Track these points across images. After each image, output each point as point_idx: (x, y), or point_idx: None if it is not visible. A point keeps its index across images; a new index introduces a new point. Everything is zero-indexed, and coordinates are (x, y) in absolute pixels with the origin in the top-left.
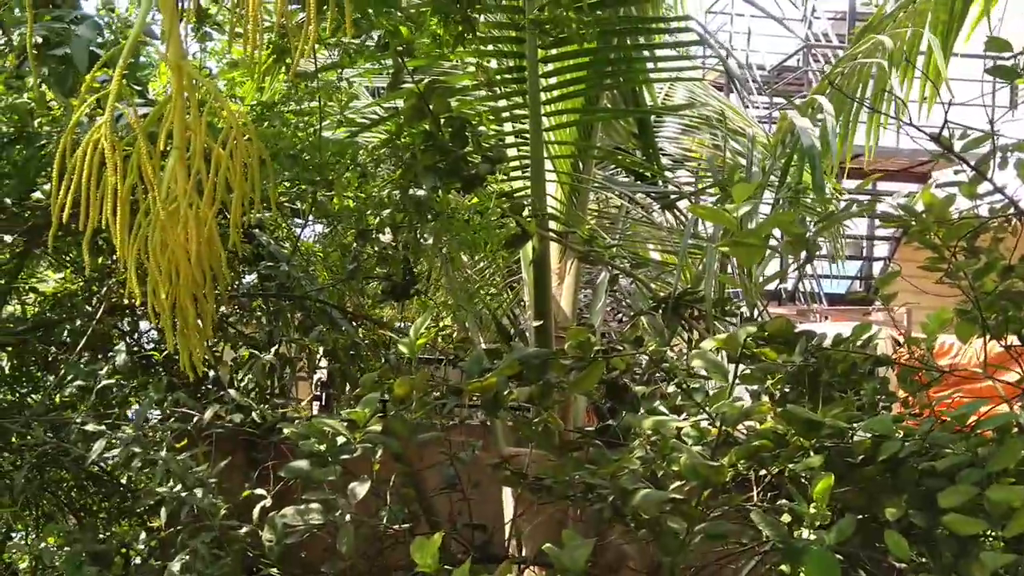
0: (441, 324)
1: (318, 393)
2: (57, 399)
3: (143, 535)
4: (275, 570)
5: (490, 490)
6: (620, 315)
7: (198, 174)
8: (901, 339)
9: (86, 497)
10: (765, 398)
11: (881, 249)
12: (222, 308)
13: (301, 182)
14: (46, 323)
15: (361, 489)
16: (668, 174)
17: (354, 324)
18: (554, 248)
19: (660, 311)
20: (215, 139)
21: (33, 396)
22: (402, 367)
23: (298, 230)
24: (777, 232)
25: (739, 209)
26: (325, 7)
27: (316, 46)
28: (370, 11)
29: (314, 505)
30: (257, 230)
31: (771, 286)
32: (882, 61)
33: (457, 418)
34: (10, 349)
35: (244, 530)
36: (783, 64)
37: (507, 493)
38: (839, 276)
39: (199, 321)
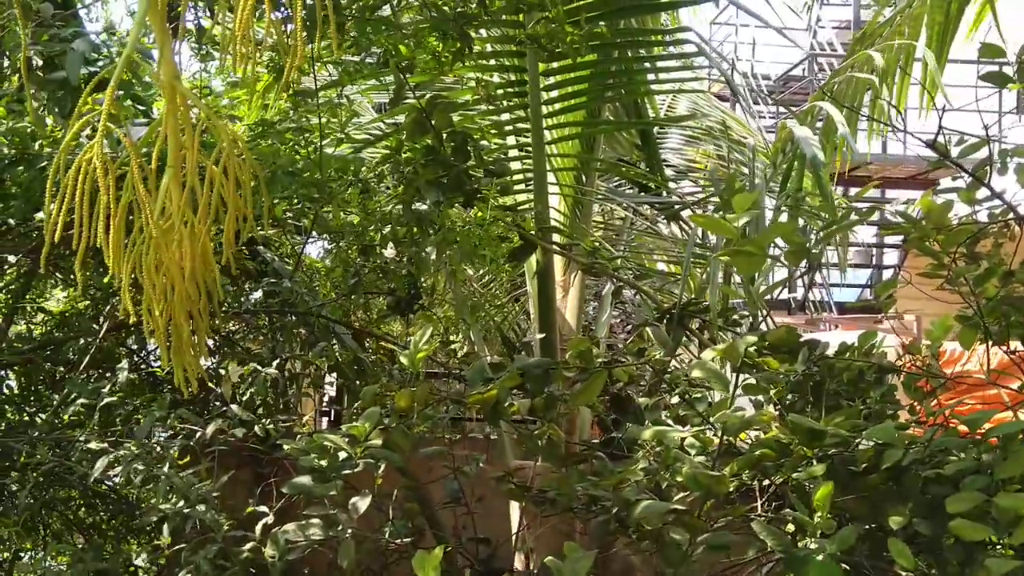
0: (448, 338)
1: (326, 409)
2: (66, 417)
3: (145, 554)
4: None
5: (495, 503)
6: (629, 327)
7: (192, 191)
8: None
9: (95, 515)
10: (769, 407)
11: (891, 257)
12: (230, 324)
13: (301, 198)
14: (53, 342)
15: (362, 504)
16: (672, 185)
17: (358, 339)
18: (558, 260)
19: (665, 322)
20: (210, 157)
21: (41, 415)
22: (408, 382)
23: (302, 247)
24: (780, 241)
25: (739, 219)
26: (327, 26)
27: (319, 64)
28: (368, 29)
29: (315, 520)
30: (262, 247)
31: (781, 295)
32: (873, 78)
33: (462, 431)
34: (17, 368)
35: (248, 546)
36: (788, 74)
37: (513, 507)
38: (849, 285)
39: (194, 337)
